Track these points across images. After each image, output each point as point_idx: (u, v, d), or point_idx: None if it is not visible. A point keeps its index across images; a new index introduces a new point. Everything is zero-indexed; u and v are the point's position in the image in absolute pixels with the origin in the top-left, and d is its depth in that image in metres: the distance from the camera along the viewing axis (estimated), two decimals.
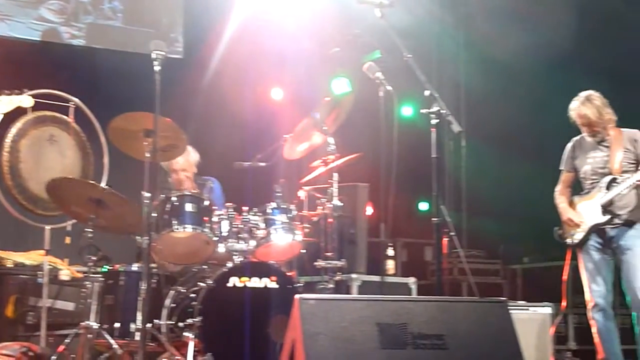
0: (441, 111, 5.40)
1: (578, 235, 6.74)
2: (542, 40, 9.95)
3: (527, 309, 7.82)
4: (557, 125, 7.13)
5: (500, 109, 10.31)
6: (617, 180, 6.58)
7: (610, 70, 9.40)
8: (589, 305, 6.73)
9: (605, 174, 6.66)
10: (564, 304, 7.31)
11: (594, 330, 6.76)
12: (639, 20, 9.29)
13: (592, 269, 6.72)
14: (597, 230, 6.66)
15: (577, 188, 6.98)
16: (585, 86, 6.97)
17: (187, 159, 6.93)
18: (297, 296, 3.65)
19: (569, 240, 6.82)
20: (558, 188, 7.01)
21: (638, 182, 6.46)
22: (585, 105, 6.74)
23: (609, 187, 6.60)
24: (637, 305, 6.53)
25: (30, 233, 7.72)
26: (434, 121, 5.46)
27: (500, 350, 3.75)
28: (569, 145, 6.97)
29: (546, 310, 7.80)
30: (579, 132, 6.90)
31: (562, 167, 7.00)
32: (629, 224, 6.59)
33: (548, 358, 7.63)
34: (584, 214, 6.74)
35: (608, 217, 6.59)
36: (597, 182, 6.69)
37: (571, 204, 6.87)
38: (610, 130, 6.74)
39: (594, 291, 6.70)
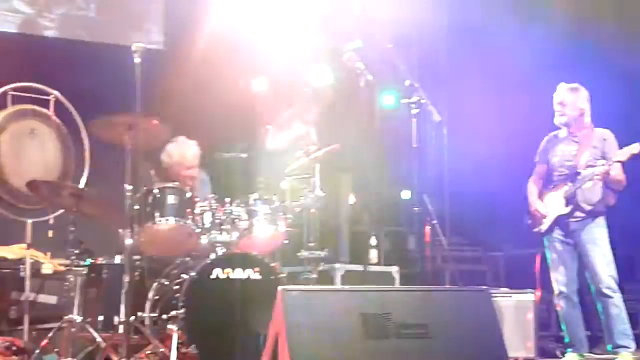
0: (422, 101, 5.41)
1: (545, 225, 6.96)
2: (529, 28, 9.99)
3: (510, 296, 7.87)
4: (535, 115, 7.20)
5: (482, 97, 10.32)
6: (581, 174, 6.76)
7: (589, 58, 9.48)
8: (555, 292, 6.93)
9: (571, 168, 6.86)
10: (538, 293, 7.44)
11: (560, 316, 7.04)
12: None
13: (556, 258, 7.00)
14: (561, 222, 6.85)
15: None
16: (564, 76, 7.10)
17: (196, 155, 6.90)
18: (280, 288, 3.65)
19: (537, 229, 7.01)
20: (532, 178, 7.19)
21: (597, 176, 6.66)
22: (570, 91, 6.94)
23: (573, 180, 6.80)
24: (601, 295, 6.78)
25: (12, 227, 7.68)
26: (414, 111, 5.47)
27: (484, 339, 3.77)
28: (545, 139, 7.18)
29: (529, 297, 7.86)
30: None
31: (536, 159, 7.18)
32: (591, 217, 6.79)
33: (532, 344, 7.69)
34: (550, 205, 6.96)
35: (570, 208, 6.78)
36: (564, 174, 6.87)
37: (541, 195, 7.06)
38: (583, 128, 6.92)
39: (558, 280, 6.99)
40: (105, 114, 5.81)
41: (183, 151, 6.82)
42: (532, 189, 7.16)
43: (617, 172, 6.75)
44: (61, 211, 6.89)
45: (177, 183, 6.48)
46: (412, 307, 3.77)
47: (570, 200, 6.86)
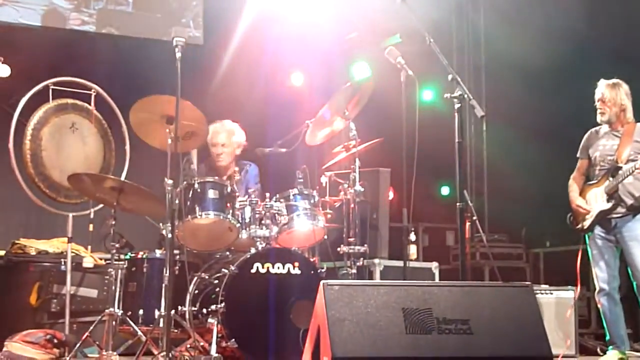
0: (464, 95, 5.37)
1: (587, 222, 6.90)
2: (562, 23, 9.89)
3: (550, 293, 7.82)
4: (577, 110, 7.16)
5: (522, 94, 10.25)
6: (622, 168, 6.69)
7: (629, 55, 9.37)
8: (595, 289, 6.91)
9: (612, 162, 6.79)
10: (578, 289, 7.39)
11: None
12: None
13: (597, 254, 6.93)
14: (602, 218, 6.78)
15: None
16: (605, 71, 7.06)
17: (230, 136, 6.91)
18: (321, 282, 3.64)
19: (579, 227, 6.96)
20: (573, 175, 7.13)
21: (637, 169, 6.57)
22: (610, 87, 6.87)
23: (614, 174, 6.74)
24: None
25: (53, 221, 7.76)
26: (456, 105, 5.43)
27: (526, 334, 3.73)
28: (586, 134, 7.11)
29: (569, 293, 7.81)
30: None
31: (578, 155, 7.13)
32: (633, 212, 6.71)
33: (571, 341, 7.64)
34: (592, 201, 6.89)
35: (612, 203, 6.73)
36: (605, 169, 6.82)
37: (582, 191, 7.00)
38: (625, 122, 6.85)
39: (598, 276, 6.91)
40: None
41: (216, 128, 6.85)
42: (573, 185, 7.10)
43: None
44: (101, 205, 6.94)
45: (216, 177, 6.50)
46: (453, 302, 3.74)
47: (611, 195, 6.80)
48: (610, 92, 6.90)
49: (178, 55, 5.57)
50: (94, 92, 7.46)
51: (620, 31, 9.72)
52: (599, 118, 6.98)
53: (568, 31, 9.83)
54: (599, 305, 7.06)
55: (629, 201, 6.79)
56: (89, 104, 7.45)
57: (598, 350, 7.68)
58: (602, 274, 6.91)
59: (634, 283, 6.84)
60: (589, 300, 8.99)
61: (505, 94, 10.48)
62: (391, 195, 8.10)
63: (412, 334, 3.59)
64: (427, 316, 3.64)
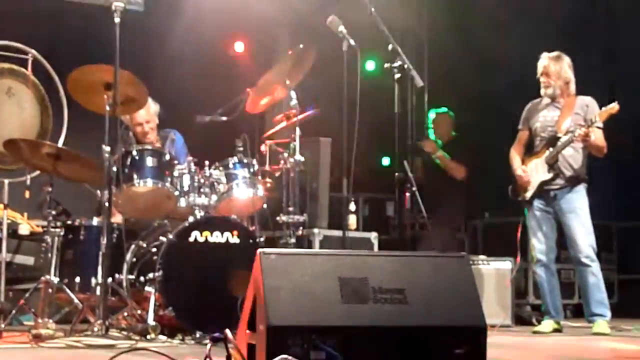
0: (404, 66, 5.38)
1: (528, 193, 6.98)
2: None
3: (488, 264, 7.92)
4: (518, 81, 7.22)
5: (463, 64, 10.31)
6: (560, 139, 6.78)
7: (569, 27, 9.49)
8: (532, 260, 7.00)
9: (552, 133, 6.87)
10: (517, 260, 7.51)
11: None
12: None
13: (535, 226, 7.06)
14: (542, 189, 6.86)
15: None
16: (547, 44, 7.12)
17: (148, 111, 6.83)
18: (258, 250, 3.64)
19: (520, 198, 7.05)
20: (513, 146, 7.20)
21: (575, 138, 6.68)
22: (554, 60, 6.94)
23: (553, 144, 6.82)
24: (579, 263, 6.90)
25: None
26: (396, 76, 5.43)
27: (461, 304, 3.76)
28: (527, 106, 7.19)
29: (506, 264, 7.92)
30: (539, 92, 7.05)
31: (519, 127, 7.20)
32: (571, 184, 6.81)
33: (508, 311, 7.75)
34: (532, 171, 6.98)
35: (552, 174, 6.81)
36: (545, 140, 6.90)
37: (523, 162, 7.10)
38: (566, 95, 6.92)
39: (536, 247, 7.07)
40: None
41: (147, 108, 6.76)
42: (514, 155, 7.18)
43: (598, 137, 6.76)
44: (38, 172, 6.84)
45: (157, 145, 6.44)
46: (390, 271, 3.75)
47: (552, 165, 6.87)
48: (554, 65, 6.97)
49: (117, 20, 5.50)
50: (31, 56, 7.33)
51: (563, 3, 9.83)
52: (542, 91, 7.04)
53: (511, 4, 9.91)
54: (535, 276, 7.19)
55: (568, 173, 6.89)
56: (26, 69, 7.32)
57: (534, 320, 7.80)
58: (539, 245, 7.01)
59: (571, 254, 6.95)
60: (526, 271, 9.13)
61: (447, 65, 10.53)
62: (331, 164, 8.11)
63: (348, 303, 3.59)
64: (363, 285, 3.64)
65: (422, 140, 8.50)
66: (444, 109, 8.73)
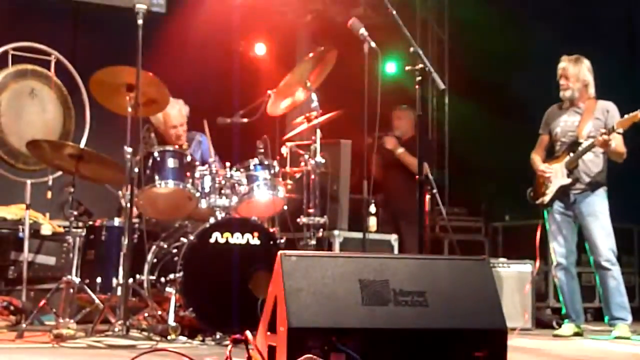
0: (425, 68, 5.37)
1: (547, 197, 6.97)
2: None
3: (508, 266, 7.90)
4: (541, 85, 7.21)
5: (484, 68, 10.30)
6: (581, 144, 6.77)
7: (594, 33, 9.46)
8: (553, 264, 6.96)
9: (573, 138, 6.86)
10: (537, 264, 7.49)
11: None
12: None
13: (555, 229, 7.04)
14: (562, 193, 6.86)
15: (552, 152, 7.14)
16: (575, 47, 7.11)
17: (181, 113, 6.87)
18: (279, 252, 3.65)
19: (539, 201, 7.03)
20: (534, 150, 7.21)
21: (596, 143, 6.66)
22: (573, 62, 6.95)
23: (574, 150, 6.82)
24: (599, 267, 6.85)
25: (11, 187, 7.68)
26: (417, 78, 5.43)
27: (481, 307, 3.76)
28: (548, 110, 7.19)
29: (527, 267, 7.90)
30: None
31: (540, 131, 7.20)
32: (591, 188, 6.80)
33: (528, 315, 7.73)
34: (552, 176, 6.94)
35: (572, 179, 6.82)
36: (566, 144, 6.90)
37: None
38: (586, 99, 6.93)
39: (556, 251, 7.04)
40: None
41: (166, 109, 6.79)
42: (535, 159, 7.16)
43: (618, 144, 6.75)
44: (60, 172, 6.88)
45: (176, 146, 6.47)
46: (410, 274, 3.76)
47: (571, 170, 6.87)
48: (573, 68, 6.96)
49: (140, 22, 5.53)
50: (54, 58, 7.38)
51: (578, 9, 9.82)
52: (562, 94, 7.03)
53: (530, 8, 9.90)
54: (555, 280, 7.17)
55: (587, 178, 6.88)
56: (49, 70, 7.37)
57: (554, 323, 7.78)
58: (559, 249, 7.00)
59: (591, 258, 6.93)
60: (546, 274, 9.11)
61: (467, 68, 10.52)
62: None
63: (368, 305, 3.60)
64: (384, 288, 3.65)
65: (383, 136, 8.33)
66: (405, 106, 8.48)
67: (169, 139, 6.84)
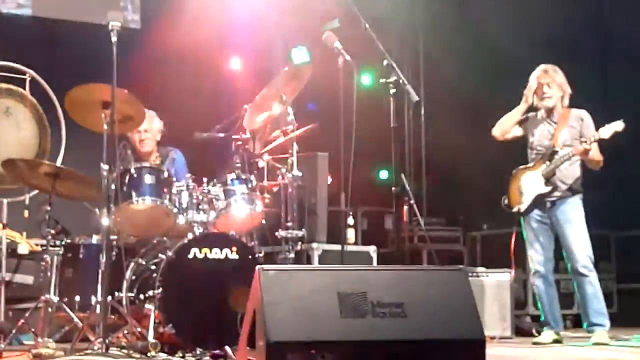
0: (399, 81, 5.41)
1: (523, 205, 7.00)
2: (504, 10, 10.02)
3: (487, 275, 7.93)
4: (516, 95, 7.26)
5: (460, 79, 10.36)
6: (558, 153, 6.82)
7: (569, 44, 9.54)
8: (531, 271, 7.01)
9: (549, 147, 6.91)
10: (512, 272, 7.53)
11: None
12: None
13: (532, 237, 7.07)
14: (538, 201, 6.90)
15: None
16: (545, 58, 7.17)
17: (149, 120, 6.84)
18: (257, 267, 3.66)
19: (515, 209, 7.08)
20: None
21: (574, 153, 6.72)
22: (554, 71, 7.05)
23: (550, 158, 6.87)
24: (576, 273, 6.89)
25: None
26: (392, 90, 5.46)
27: (459, 317, 3.78)
28: (529, 114, 7.19)
29: (505, 276, 7.93)
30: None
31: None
32: (567, 195, 6.85)
33: (508, 323, 7.76)
34: (527, 184, 7.00)
35: (550, 187, 6.85)
36: (541, 153, 6.94)
37: (517, 175, 7.12)
38: (560, 108, 7.01)
39: (533, 259, 7.06)
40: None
41: (149, 121, 6.77)
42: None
43: (595, 152, 6.81)
44: (37, 191, 6.85)
45: (156, 162, 6.47)
46: (388, 286, 3.78)
47: (549, 179, 6.91)
48: (556, 77, 7.01)
49: (114, 39, 5.52)
50: (29, 76, 7.36)
51: (551, 18, 9.90)
52: (543, 103, 7.05)
53: (504, 20, 9.97)
54: (534, 287, 7.20)
55: (564, 186, 6.93)
56: (24, 88, 7.35)
57: (533, 331, 7.81)
58: (537, 256, 7.04)
59: (568, 265, 6.98)
60: (525, 282, 9.15)
61: (444, 79, 10.57)
62: (329, 179, 8.13)
63: (347, 318, 3.62)
64: (362, 300, 3.66)
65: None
66: None
67: (138, 151, 6.84)
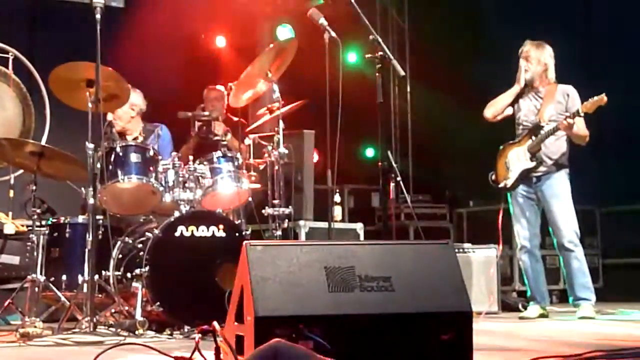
0: (385, 56, 5.39)
1: (509, 180, 7.02)
2: None
3: (474, 251, 7.96)
4: (502, 71, 7.27)
5: (446, 54, 10.34)
6: (544, 128, 6.83)
7: (552, 16, 9.53)
8: (517, 247, 7.03)
9: (534, 122, 6.93)
10: (499, 247, 7.56)
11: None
12: None
13: (518, 212, 7.10)
14: (524, 176, 6.92)
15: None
16: (535, 34, 7.18)
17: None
18: (244, 242, 3.65)
19: (501, 185, 7.09)
20: None
21: (560, 127, 6.73)
22: (535, 46, 7.05)
23: (536, 133, 6.88)
24: (562, 248, 6.94)
25: None
26: (377, 66, 5.45)
27: (446, 290, 3.78)
28: None
29: (492, 252, 7.95)
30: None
31: None
32: (553, 170, 6.88)
33: (494, 298, 7.79)
34: (514, 159, 7.02)
35: (535, 162, 6.87)
36: (527, 128, 6.97)
37: (504, 150, 7.13)
38: (546, 83, 7.05)
39: (520, 234, 7.10)
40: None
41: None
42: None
43: (581, 127, 6.82)
44: (22, 171, 6.83)
45: (139, 140, 6.45)
46: (375, 260, 3.77)
47: (534, 154, 6.93)
48: (535, 52, 7.05)
49: (97, 17, 5.50)
50: (12, 55, 7.32)
51: None
52: (522, 75, 7.08)
53: None
54: (520, 263, 7.23)
55: (550, 161, 6.95)
56: (7, 68, 7.31)
57: (520, 306, 7.84)
58: (523, 232, 7.06)
59: (554, 240, 7.00)
60: (512, 258, 9.18)
61: (429, 55, 10.56)
62: (316, 157, 8.12)
63: (334, 292, 3.61)
64: (350, 274, 3.66)
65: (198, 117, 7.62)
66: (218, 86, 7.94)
67: (122, 128, 6.79)
